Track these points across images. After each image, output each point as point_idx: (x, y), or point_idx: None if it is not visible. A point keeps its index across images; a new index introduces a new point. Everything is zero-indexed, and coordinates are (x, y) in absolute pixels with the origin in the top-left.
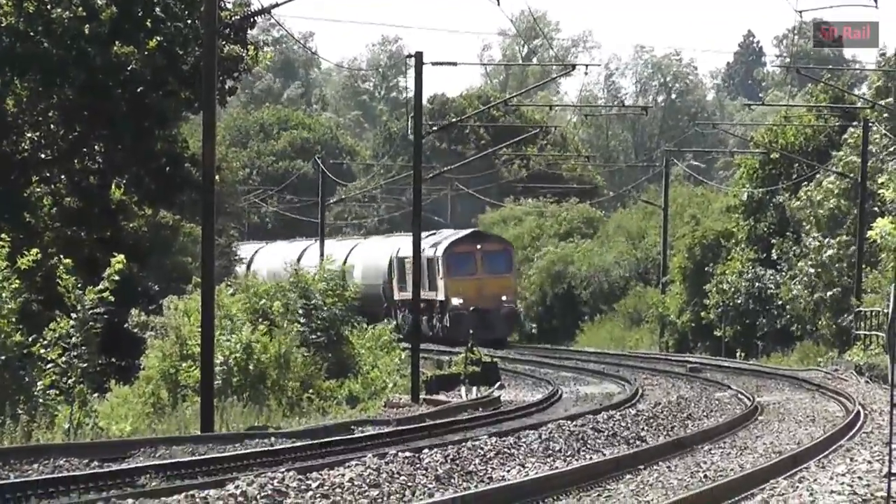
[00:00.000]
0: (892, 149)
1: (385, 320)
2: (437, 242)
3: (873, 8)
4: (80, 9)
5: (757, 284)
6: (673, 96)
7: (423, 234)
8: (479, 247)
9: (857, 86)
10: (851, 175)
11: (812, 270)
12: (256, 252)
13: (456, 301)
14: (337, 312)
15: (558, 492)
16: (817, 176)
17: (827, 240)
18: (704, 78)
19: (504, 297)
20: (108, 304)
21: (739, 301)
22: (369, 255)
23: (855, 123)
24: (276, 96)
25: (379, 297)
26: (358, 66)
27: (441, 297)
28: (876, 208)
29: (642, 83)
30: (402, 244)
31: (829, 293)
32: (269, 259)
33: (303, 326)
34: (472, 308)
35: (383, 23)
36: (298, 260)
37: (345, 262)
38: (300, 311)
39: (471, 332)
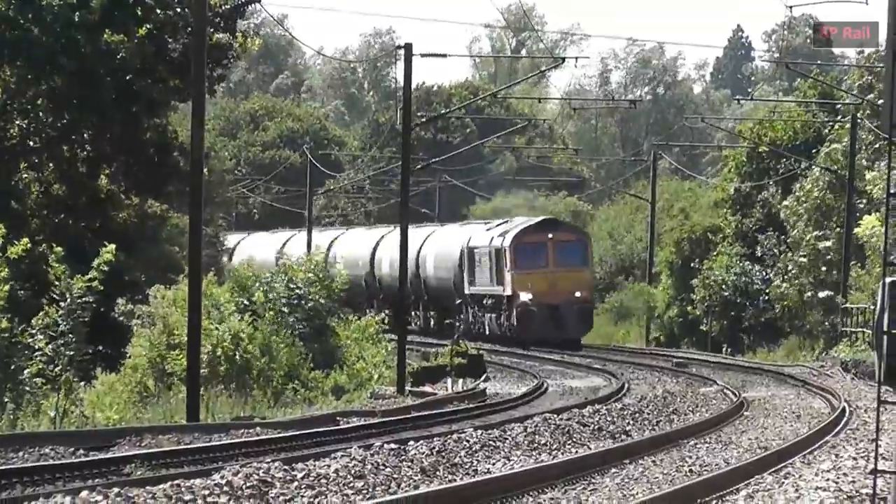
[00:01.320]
0: (877, 146)
1: (455, 316)
2: (505, 231)
3: (863, 4)
4: None
5: (744, 279)
6: (661, 91)
7: (494, 222)
8: (550, 236)
9: (846, 81)
10: (836, 168)
11: (803, 261)
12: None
13: (524, 296)
14: (322, 302)
15: (544, 485)
16: (809, 171)
17: (816, 232)
18: (693, 72)
19: (578, 293)
20: (96, 293)
21: (727, 294)
22: (441, 246)
23: (841, 119)
24: (263, 85)
25: (450, 292)
26: (349, 57)
27: (508, 291)
28: (862, 205)
29: (631, 77)
30: (473, 233)
31: (821, 294)
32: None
33: (287, 316)
34: (542, 304)
35: (375, 13)
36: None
37: (374, 253)
38: (283, 301)
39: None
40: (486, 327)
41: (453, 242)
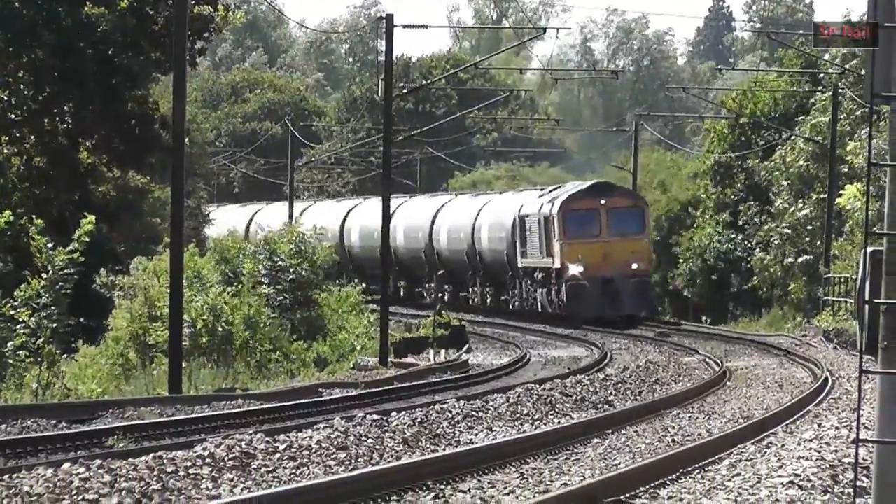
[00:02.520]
0: (858, 113)
1: (509, 291)
2: (555, 197)
3: None
4: None
5: (727, 245)
6: (645, 62)
7: (548, 188)
8: (603, 202)
9: (829, 51)
10: (819, 139)
11: (786, 231)
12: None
13: (574, 269)
14: (304, 274)
15: (526, 455)
16: (791, 139)
17: (800, 202)
18: (675, 43)
19: (635, 265)
20: (78, 265)
21: (710, 261)
22: (495, 215)
23: (822, 89)
24: (239, 60)
25: (503, 265)
26: (335, 28)
27: (557, 264)
28: (846, 172)
29: (613, 48)
30: (525, 200)
31: (800, 259)
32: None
33: (267, 287)
34: (594, 278)
35: None
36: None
37: (433, 224)
38: (263, 272)
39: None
40: (538, 304)
41: (506, 211)
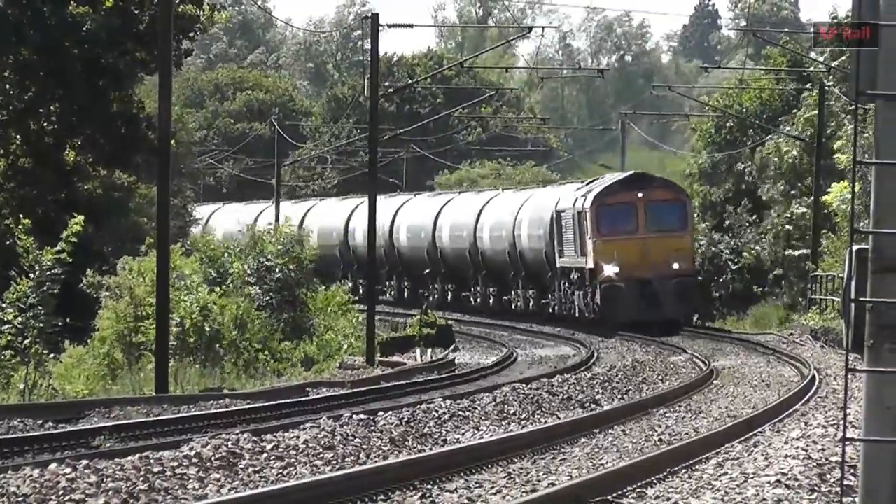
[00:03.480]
0: (846, 113)
1: (549, 294)
2: (589, 191)
3: None
4: None
5: (713, 249)
6: (628, 59)
7: (586, 181)
8: (640, 195)
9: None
10: (806, 139)
11: (778, 224)
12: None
13: (609, 270)
14: (291, 274)
15: (513, 454)
16: (779, 134)
17: (794, 202)
18: (660, 41)
19: (676, 264)
20: (64, 265)
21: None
22: (534, 210)
23: (808, 86)
24: (236, 59)
25: (543, 265)
26: (323, 28)
27: (590, 264)
28: (836, 168)
29: (596, 45)
30: (563, 194)
31: (795, 252)
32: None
33: (253, 286)
34: (631, 279)
35: None
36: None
37: (477, 221)
38: (249, 272)
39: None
40: (576, 307)
41: (545, 206)
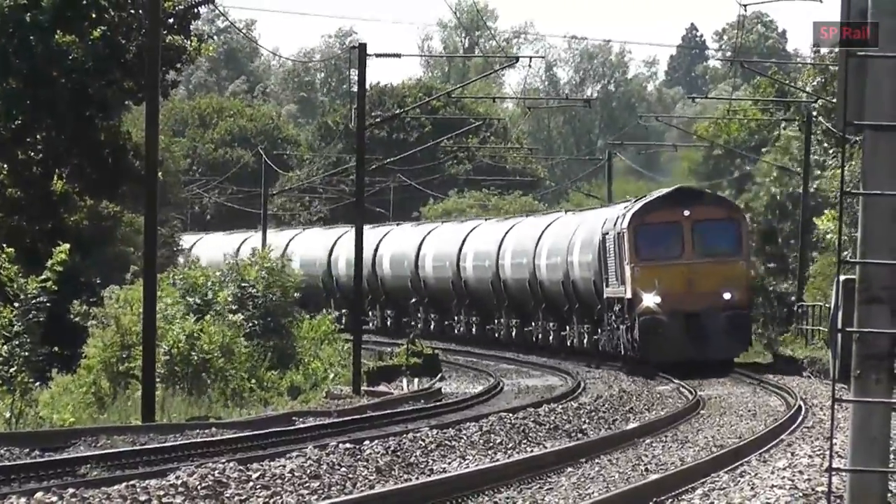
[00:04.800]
0: (832, 147)
1: (599, 329)
2: (628, 209)
3: (817, 2)
4: None
5: None
6: (613, 88)
7: (636, 198)
8: (687, 213)
9: (799, 80)
10: (792, 166)
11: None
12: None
13: (649, 300)
14: (276, 301)
15: (499, 484)
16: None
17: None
18: (644, 70)
19: (728, 294)
20: (50, 294)
21: None
22: (585, 233)
23: (795, 118)
24: (215, 89)
25: (592, 296)
26: (310, 58)
27: (628, 293)
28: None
29: (581, 75)
30: (609, 215)
31: (783, 286)
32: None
33: (235, 314)
34: (675, 312)
35: (328, 14)
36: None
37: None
38: (230, 300)
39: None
40: (621, 343)
41: (595, 229)
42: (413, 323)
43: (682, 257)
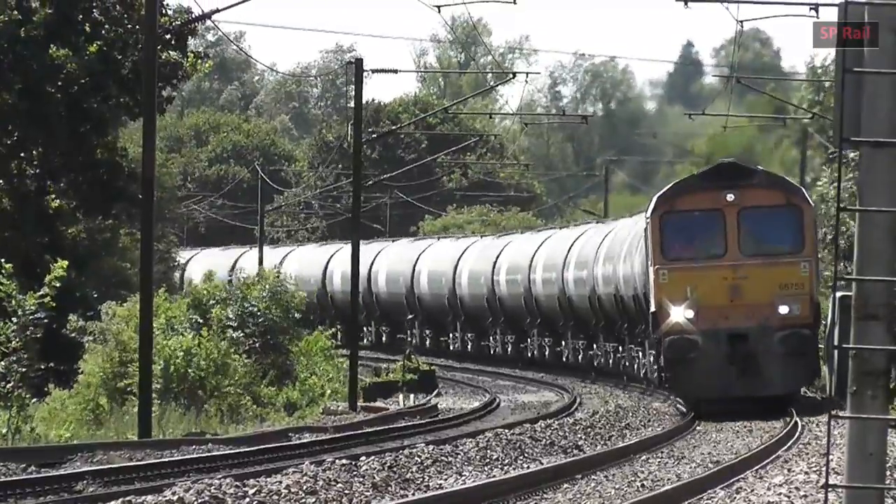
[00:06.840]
0: (830, 155)
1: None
2: (661, 194)
3: (813, 17)
4: (16, 12)
5: None
6: (612, 105)
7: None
8: (731, 197)
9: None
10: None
11: None
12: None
13: (678, 315)
14: (276, 319)
15: (495, 500)
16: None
17: None
18: (644, 87)
19: (786, 308)
20: (48, 310)
21: None
22: (633, 236)
23: (788, 134)
24: (208, 99)
25: (635, 313)
26: (308, 72)
27: (652, 304)
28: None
29: (582, 91)
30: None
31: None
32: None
33: (235, 331)
34: (713, 331)
35: (322, 29)
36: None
37: (456, 268)
38: (230, 317)
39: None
40: (645, 367)
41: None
42: (409, 339)
43: (725, 257)
